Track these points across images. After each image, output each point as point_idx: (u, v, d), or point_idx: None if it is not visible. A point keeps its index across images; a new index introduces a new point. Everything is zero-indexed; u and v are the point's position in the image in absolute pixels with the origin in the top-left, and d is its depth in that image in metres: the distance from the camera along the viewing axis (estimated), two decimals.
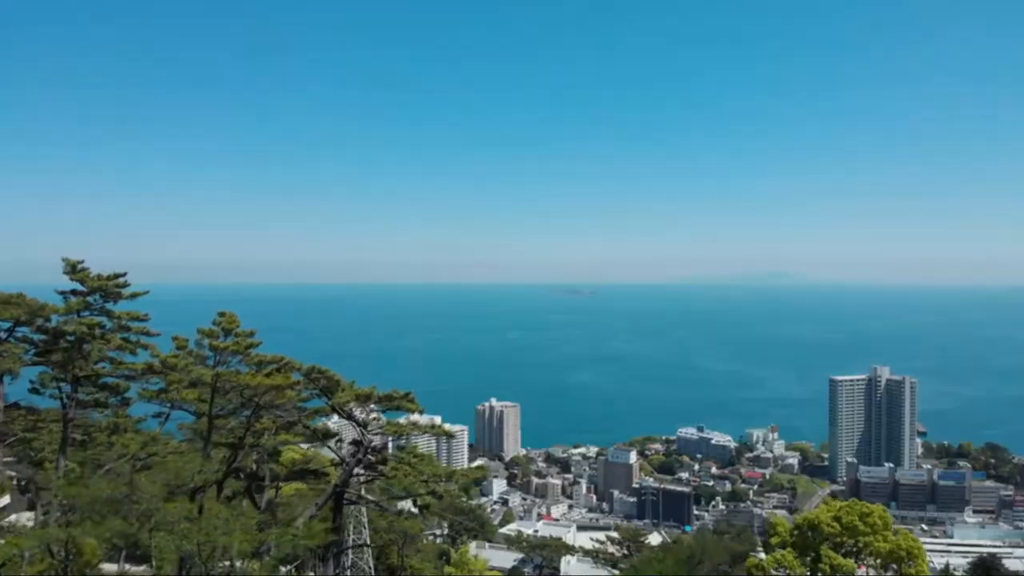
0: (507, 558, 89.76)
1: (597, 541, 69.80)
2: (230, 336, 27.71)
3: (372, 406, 29.32)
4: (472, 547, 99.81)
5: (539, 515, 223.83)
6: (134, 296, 29.39)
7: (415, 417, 32.21)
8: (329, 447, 29.98)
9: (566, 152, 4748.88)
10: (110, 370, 28.94)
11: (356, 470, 29.16)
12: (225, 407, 28.66)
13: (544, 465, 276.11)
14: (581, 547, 75.86)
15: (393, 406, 30.26)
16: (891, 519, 31.58)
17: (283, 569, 29.08)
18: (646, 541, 64.48)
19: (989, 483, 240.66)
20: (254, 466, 30.69)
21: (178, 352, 28.28)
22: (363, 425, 28.52)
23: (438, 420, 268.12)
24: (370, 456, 28.81)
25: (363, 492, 34.57)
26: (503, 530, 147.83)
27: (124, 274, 28.93)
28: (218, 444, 29.48)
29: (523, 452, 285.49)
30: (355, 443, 29.10)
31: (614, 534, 71.71)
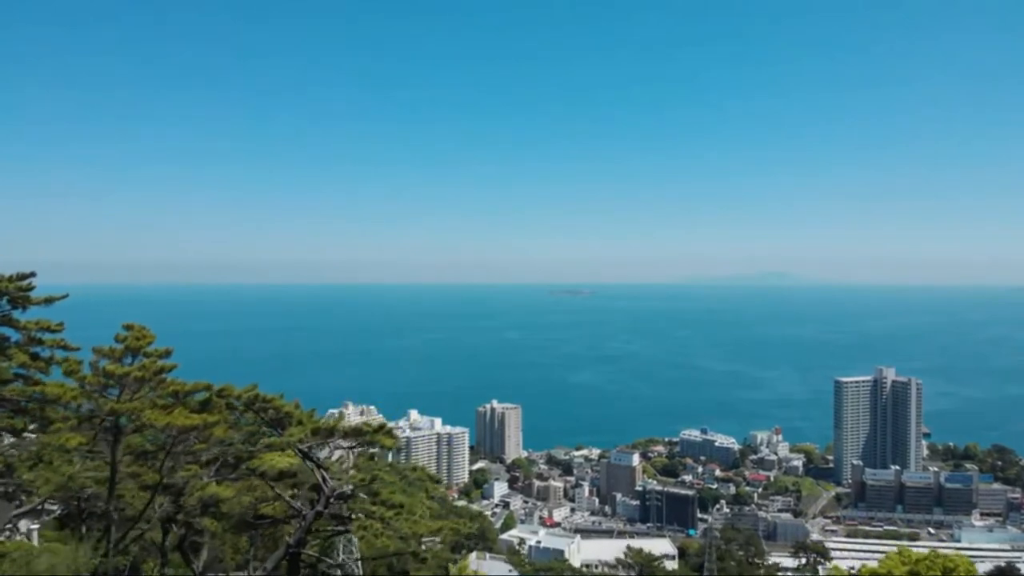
0: (510, 573, 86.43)
1: (607, 565, 66.06)
2: (138, 357, 21.57)
3: (339, 442, 23.87)
4: (472, 558, 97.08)
5: (540, 518, 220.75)
6: (49, 301, 23.78)
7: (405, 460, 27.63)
8: (281, 495, 23.80)
9: (566, 152, 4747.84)
10: (16, 391, 23.44)
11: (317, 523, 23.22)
12: (152, 441, 23.38)
13: (546, 467, 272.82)
14: (585, 565, 72.32)
15: (364, 441, 24.45)
16: (977, 572, 27.68)
17: None
18: (660, 564, 60.71)
19: (996, 486, 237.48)
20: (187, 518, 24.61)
21: (70, 378, 22.16)
22: (323, 467, 23.16)
23: (439, 422, 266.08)
24: (333, 507, 23.07)
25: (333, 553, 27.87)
26: (504, 536, 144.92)
27: (31, 275, 23.53)
28: (146, 487, 23.57)
29: (524, 454, 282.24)
30: (315, 489, 23.27)
31: (622, 552, 67.97)
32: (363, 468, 25.32)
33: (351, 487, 23.13)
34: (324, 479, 22.73)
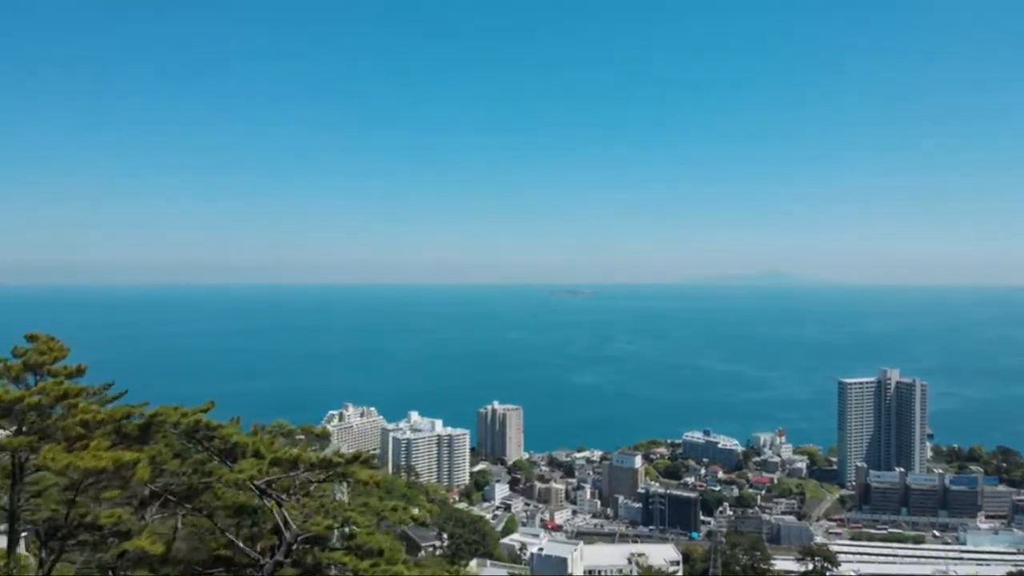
0: None
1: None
2: (43, 375, 17.21)
3: (305, 475, 19.63)
4: (473, 564, 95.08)
5: (542, 520, 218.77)
6: None
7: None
8: (234, 541, 19.55)
9: (566, 154, 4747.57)
10: None
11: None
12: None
13: (547, 469, 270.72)
14: (588, 572, 70.29)
15: (335, 473, 20.39)
16: None
17: None
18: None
19: (1001, 488, 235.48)
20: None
21: None
22: (283, 506, 18.99)
23: (439, 423, 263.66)
24: (297, 554, 18.92)
25: None
26: (506, 540, 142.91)
27: None
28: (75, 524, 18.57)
29: (526, 456, 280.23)
30: (275, 532, 19.21)
31: (626, 558, 65.88)
32: (332, 510, 20.73)
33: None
34: (286, 521, 18.72)
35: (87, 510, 17.40)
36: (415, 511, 23.22)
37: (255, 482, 18.63)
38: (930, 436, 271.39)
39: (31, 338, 17.86)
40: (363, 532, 20.20)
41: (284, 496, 19.43)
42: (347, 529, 20.16)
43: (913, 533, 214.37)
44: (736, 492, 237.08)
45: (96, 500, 17.60)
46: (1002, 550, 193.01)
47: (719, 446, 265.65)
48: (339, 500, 20.59)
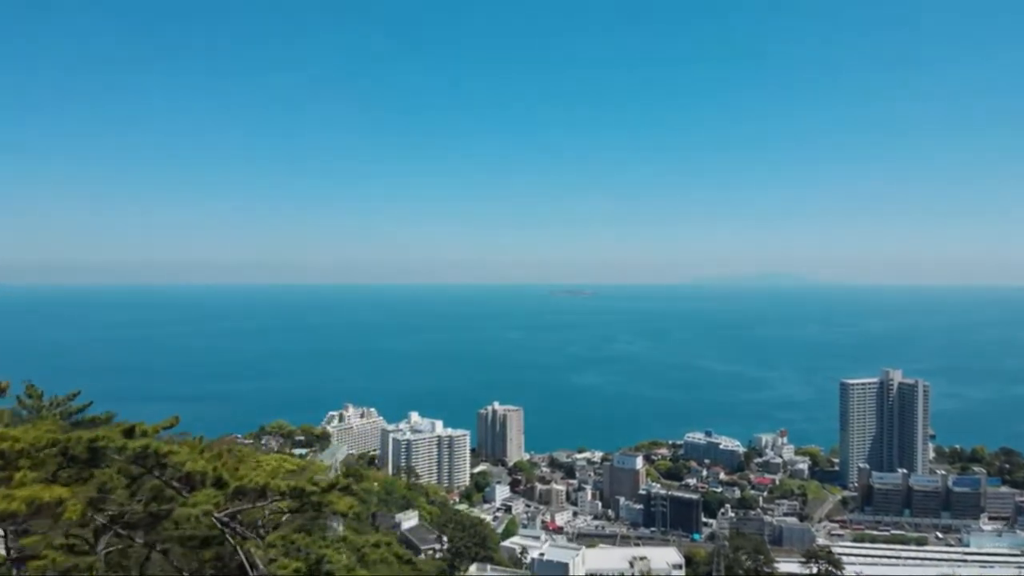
0: None
1: None
2: None
3: (273, 505, 17.25)
4: (473, 569, 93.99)
5: (543, 522, 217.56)
6: None
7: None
8: None
9: (568, 155, 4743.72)
10: None
11: None
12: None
13: (548, 470, 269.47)
14: None
15: (309, 503, 17.80)
16: None
17: None
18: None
19: (1004, 489, 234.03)
20: None
21: None
22: (246, 539, 16.60)
23: (439, 424, 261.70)
24: None
25: None
26: (506, 543, 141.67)
27: None
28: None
29: (526, 457, 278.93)
30: (240, 571, 16.88)
31: (628, 561, 64.82)
32: (304, 547, 18.15)
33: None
34: (251, 562, 16.28)
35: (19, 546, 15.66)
36: (400, 548, 20.93)
37: (216, 515, 16.53)
38: (932, 437, 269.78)
39: None
40: (341, 570, 18.09)
41: (248, 531, 17.31)
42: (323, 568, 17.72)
43: (916, 535, 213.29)
44: (738, 493, 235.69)
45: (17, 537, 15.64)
46: (1005, 552, 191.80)
47: (721, 447, 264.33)
48: (314, 536, 18.46)
